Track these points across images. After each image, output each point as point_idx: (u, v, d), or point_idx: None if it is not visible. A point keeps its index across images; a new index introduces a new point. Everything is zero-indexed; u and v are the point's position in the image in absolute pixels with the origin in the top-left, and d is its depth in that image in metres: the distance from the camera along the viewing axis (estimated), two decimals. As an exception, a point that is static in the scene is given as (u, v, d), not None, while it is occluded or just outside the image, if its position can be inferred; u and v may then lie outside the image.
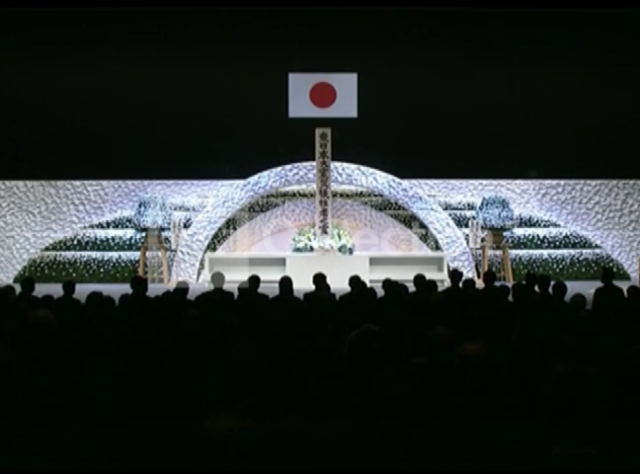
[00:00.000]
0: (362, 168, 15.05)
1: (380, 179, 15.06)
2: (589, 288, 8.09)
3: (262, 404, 2.97)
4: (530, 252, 15.30)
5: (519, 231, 15.46)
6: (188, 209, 15.51)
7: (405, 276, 9.07)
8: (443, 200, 15.67)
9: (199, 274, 14.63)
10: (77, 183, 15.71)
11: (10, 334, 4.69)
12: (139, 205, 14.81)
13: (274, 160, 14.89)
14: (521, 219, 15.63)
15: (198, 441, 2.39)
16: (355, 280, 7.45)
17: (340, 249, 14.20)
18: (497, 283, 7.93)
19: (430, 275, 8.50)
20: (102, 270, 14.84)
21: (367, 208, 15.44)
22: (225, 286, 7.49)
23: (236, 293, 7.38)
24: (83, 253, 15.06)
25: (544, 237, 15.50)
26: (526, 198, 16.00)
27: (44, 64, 15.38)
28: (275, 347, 4.09)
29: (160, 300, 6.65)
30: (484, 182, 15.95)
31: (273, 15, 14.99)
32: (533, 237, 15.48)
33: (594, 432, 2.57)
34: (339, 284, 8.06)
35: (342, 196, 15.51)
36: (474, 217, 14.95)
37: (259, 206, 15.39)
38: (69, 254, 15.08)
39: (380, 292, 7.03)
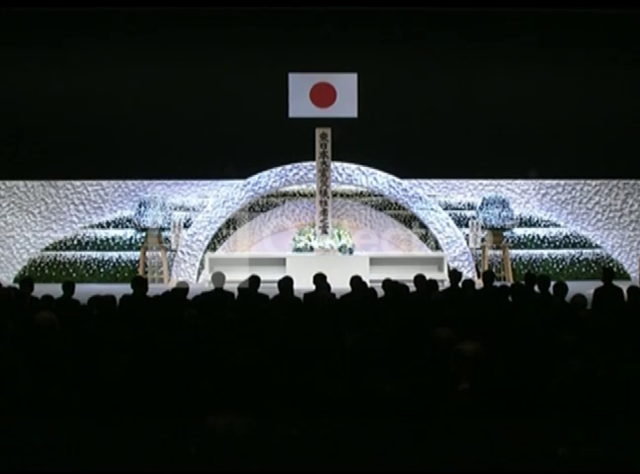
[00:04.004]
0: (362, 168, 15.05)
1: (380, 179, 15.05)
2: (589, 288, 8.09)
3: (261, 404, 2.97)
4: (530, 252, 15.29)
5: (519, 231, 15.45)
6: (188, 209, 15.50)
7: (405, 276, 9.08)
8: (443, 200, 15.66)
9: (199, 274, 14.63)
10: (77, 183, 15.70)
11: (13, 335, 4.70)
12: (139, 205, 14.81)
13: (274, 160, 14.89)
14: (521, 219, 15.62)
15: (198, 440, 2.39)
16: (355, 280, 7.46)
17: (340, 249, 14.20)
18: (497, 283, 7.93)
19: (430, 274, 8.48)
20: (102, 270, 14.83)
21: (367, 208, 15.43)
22: (225, 286, 7.50)
23: (236, 293, 7.39)
24: (83, 253, 15.06)
25: (544, 237, 15.49)
26: (526, 198, 15.99)
27: (45, 64, 15.37)
28: (275, 347, 4.09)
29: (160, 300, 6.65)
30: (484, 182, 15.94)
31: (273, 15, 14.99)
32: (533, 237, 15.47)
33: (598, 432, 2.57)
34: (339, 284, 8.07)
35: (342, 196, 15.50)
36: (474, 217, 14.94)
37: (259, 206, 15.39)
38: (69, 254, 15.07)
39: (380, 292, 7.03)
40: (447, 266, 13.91)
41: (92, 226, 15.61)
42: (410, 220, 15.27)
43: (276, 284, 7.23)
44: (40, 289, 7.48)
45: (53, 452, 2.80)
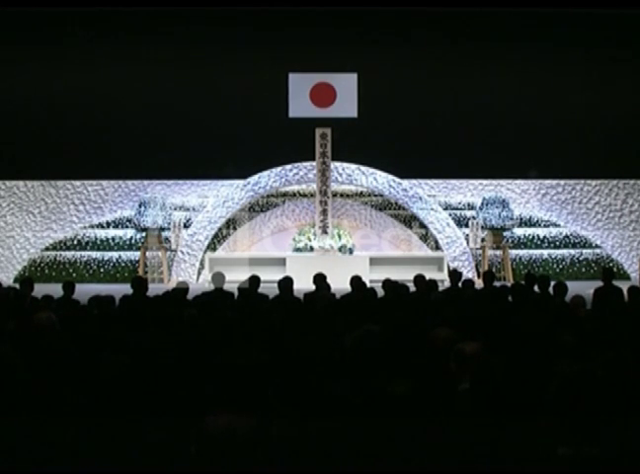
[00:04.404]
0: (362, 168, 15.05)
1: (380, 179, 15.05)
2: (589, 288, 8.08)
3: (261, 404, 2.97)
4: (530, 252, 15.29)
5: (519, 231, 15.45)
6: (188, 209, 15.50)
7: (405, 276, 9.07)
8: (443, 200, 15.66)
9: (199, 274, 14.63)
10: (77, 183, 15.70)
11: (13, 335, 4.70)
12: (139, 205, 14.81)
13: (274, 160, 14.89)
14: (521, 219, 15.62)
15: (198, 441, 2.39)
16: (355, 280, 7.45)
17: (340, 249, 14.20)
18: (497, 283, 7.92)
19: (430, 275, 8.49)
20: (102, 270, 14.83)
21: (367, 208, 15.43)
22: (225, 286, 7.50)
23: (236, 293, 7.39)
24: (83, 253, 15.06)
25: (544, 237, 15.49)
26: (526, 198, 16.00)
27: (44, 64, 15.36)
28: (275, 347, 4.09)
29: (160, 300, 6.65)
30: (484, 182, 15.94)
31: (273, 15, 14.99)
32: (533, 237, 15.47)
33: (598, 432, 2.57)
34: (339, 284, 8.06)
35: (342, 196, 15.50)
36: (474, 217, 14.94)
37: (259, 206, 15.39)
38: (69, 254, 15.07)
39: (380, 292, 7.03)
40: (447, 266, 13.91)
41: (92, 226, 15.61)
42: (410, 220, 15.27)
43: (276, 284, 7.23)
44: (40, 289, 7.47)
45: (53, 452, 2.81)
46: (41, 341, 4.37)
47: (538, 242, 15.43)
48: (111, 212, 15.71)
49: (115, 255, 14.98)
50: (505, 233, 15.10)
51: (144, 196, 15.17)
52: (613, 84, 15.50)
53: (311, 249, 14.21)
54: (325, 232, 14.28)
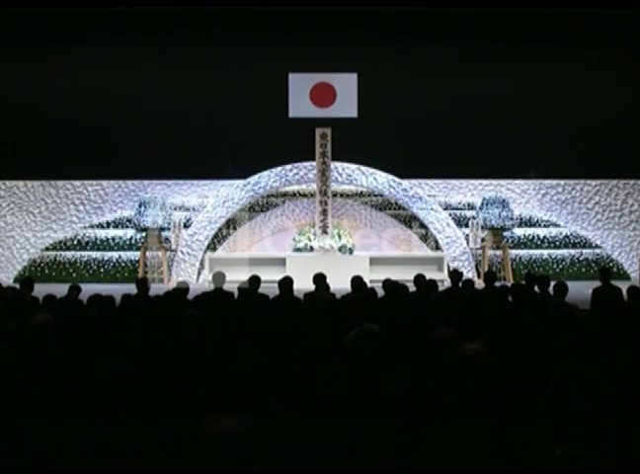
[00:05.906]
0: (362, 168, 15.05)
1: (380, 179, 15.06)
2: (588, 288, 8.09)
3: (261, 404, 2.97)
4: (530, 252, 15.29)
5: (519, 231, 15.45)
6: (188, 209, 15.51)
7: (405, 276, 9.07)
8: (443, 200, 15.66)
9: (199, 274, 14.63)
10: (77, 183, 15.71)
11: (11, 334, 4.70)
12: (139, 205, 14.81)
13: (274, 160, 14.89)
14: (521, 219, 15.62)
15: (197, 442, 2.39)
16: (356, 281, 7.45)
17: (340, 249, 14.20)
18: (497, 283, 7.93)
19: (430, 275, 8.49)
20: (102, 270, 14.83)
21: (367, 208, 15.44)
22: (225, 286, 7.50)
23: (236, 293, 7.39)
24: (83, 253, 15.06)
25: (544, 237, 15.50)
26: (526, 198, 16.00)
27: (44, 64, 15.37)
28: (274, 347, 4.09)
29: (160, 300, 6.65)
30: (484, 182, 15.94)
31: (273, 15, 14.99)
32: (533, 237, 15.48)
33: (596, 432, 2.57)
34: (339, 284, 8.07)
35: (342, 196, 15.50)
36: (474, 217, 14.95)
37: (259, 206, 15.39)
38: (69, 254, 15.07)
39: (380, 292, 7.04)
40: (447, 266, 13.92)
41: (92, 226, 15.62)
42: (410, 220, 15.27)
43: (276, 284, 7.23)
44: (40, 289, 7.47)
45: (51, 453, 2.81)
46: (38, 341, 4.37)
47: (538, 242, 15.43)
48: (111, 212, 15.71)
49: (115, 255, 14.98)
50: (505, 233, 15.10)
51: (144, 196, 15.17)
52: (613, 84, 15.51)
53: (311, 249, 14.22)
54: (325, 232, 14.28)
